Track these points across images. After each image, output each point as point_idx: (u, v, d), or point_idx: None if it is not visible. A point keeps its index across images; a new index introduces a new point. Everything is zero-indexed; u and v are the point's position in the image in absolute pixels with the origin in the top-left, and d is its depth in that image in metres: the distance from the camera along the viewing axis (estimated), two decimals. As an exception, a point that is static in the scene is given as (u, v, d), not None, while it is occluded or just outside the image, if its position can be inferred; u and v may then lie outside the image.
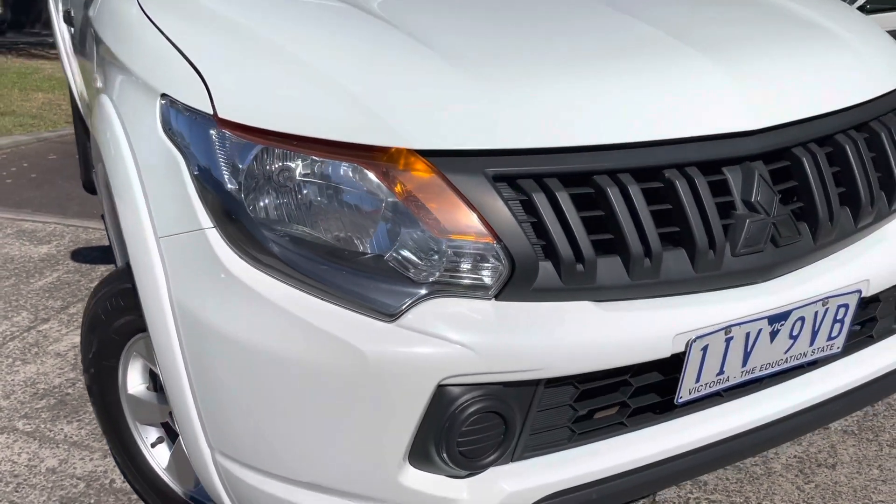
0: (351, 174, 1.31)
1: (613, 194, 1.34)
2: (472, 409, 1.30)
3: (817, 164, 1.50)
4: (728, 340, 1.43)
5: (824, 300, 1.51)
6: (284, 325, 1.29)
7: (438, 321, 1.28)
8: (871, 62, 1.70)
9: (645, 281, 1.38)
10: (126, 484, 2.26)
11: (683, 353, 1.40)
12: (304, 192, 1.32)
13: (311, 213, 1.32)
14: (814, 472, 2.33)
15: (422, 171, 1.30)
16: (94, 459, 2.40)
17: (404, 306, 1.28)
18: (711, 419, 1.52)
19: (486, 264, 1.31)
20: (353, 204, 1.32)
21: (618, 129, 1.36)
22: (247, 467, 1.40)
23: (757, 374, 1.53)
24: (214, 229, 1.36)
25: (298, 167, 1.33)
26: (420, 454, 1.34)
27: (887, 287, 1.61)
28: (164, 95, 1.50)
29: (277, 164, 1.33)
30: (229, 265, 1.33)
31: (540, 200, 1.31)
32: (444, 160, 1.30)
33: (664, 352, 1.38)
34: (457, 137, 1.30)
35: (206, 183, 1.37)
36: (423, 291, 1.30)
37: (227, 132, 1.37)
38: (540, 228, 1.31)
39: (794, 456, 2.41)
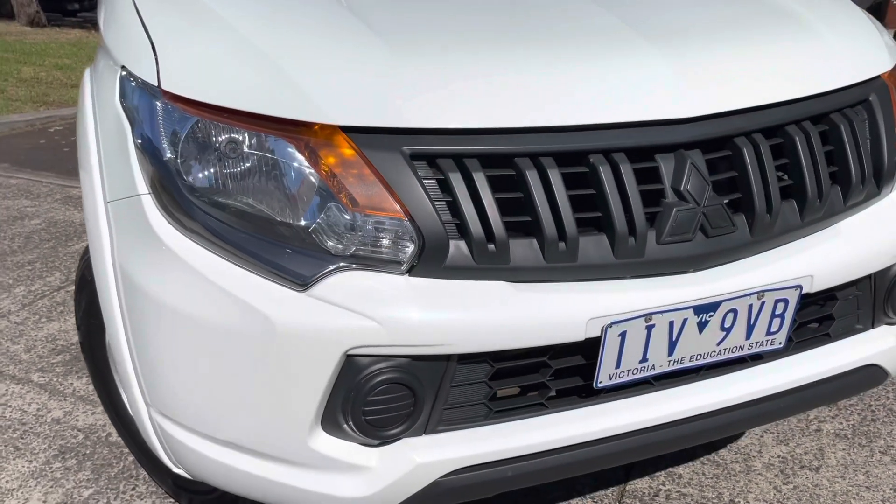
0: (276, 147, 1.37)
1: (531, 177, 1.36)
2: (378, 380, 1.34)
3: (758, 154, 1.48)
4: (649, 328, 1.43)
5: (759, 293, 1.49)
6: (203, 291, 1.36)
7: (348, 293, 1.33)
8: (839, 51, 1.65)
9: (561, 264, 1.39)
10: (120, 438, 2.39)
11: (599, 338, 1.40)
12: (231, 163, 1.38)
13: (236, 184, 1.37)
14: (795, 474, 2.29)
15: (341, 147, 1.34)
16: (96, 414, 2.53)
17: (316, 276, 1.33)
18: (639, 406, 1.53)
19: (398, 240, 1.34)
20: (276, 176, 1.37)
21: (540, 112, 1.38)
22: (177, 424, 1.47)
23: (687, 364, 1.52)
24: (149, 195, 1.43)
25: (228, 139, 1.38)
26: (331, 421, 1.39)
27: (835, 284, 1.57)
28: (123, 67, 1.58)
29: (210, 136, 1.39)
30: (159, 230, 1.40)
31: (455, 180, 1.33)
32: (364, 137, 1.34)
33: (577, 335, 1.39)
34: (376, 115, 1.34)
35: (146, 151, 1.44)
36: (337, 263, 1.34)
37: (169, 103, 1.44)
38: (454, 207, 1.34)
39: (778, 455, 2.37)
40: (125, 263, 1.46)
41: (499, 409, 1.47)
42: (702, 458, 2.36)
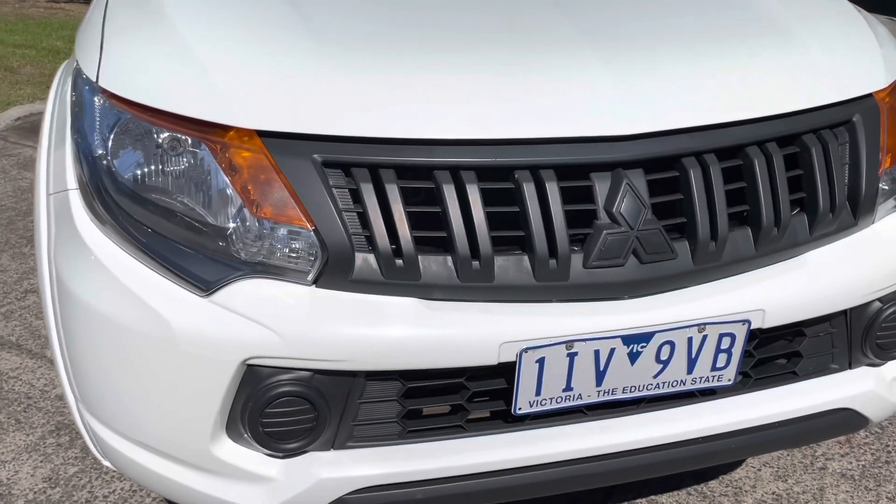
0: (194, 149, 1.35)
1: (447, 191, 1.30)
2: (276, 392, 1.31)
3: (707, 177, 1.38)
4: (571, 356, 1.35)
5: (700, 326, 1.39)
6: (113, 290, 1.36)
7: (249, 301, 1.30)
8: (821, 67, 1.52)
9: (477, 284, 1.33)
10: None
11: (514, 363, 1.34)
12: (151, 162, 1.37)
13: (152, 183, 1.37)
14: (788, 512, 2.16)
15: (252, 152, 1.32)
16: (96, 393, 2.60)
17: (219, 282, 1.31)
18: (566, 436, 1.45)
19: (303, 250, 1.31)
20: (190, 178, 1.36)
21: (463, 124, 1.31)
22: (99, 420, 1.48)
23: (620, 396, 1.43)
24: (77, 191, 1.44)
25: (152, 138, 1.38)
26: (235, 429, 1.37)
27: (793, 321, 1.45)
28: (77, 62, 1.60)
29: (135, 134, 1.39)
30: (80, 226, 1.41)
31: (365, 190, 1.29)
32: (278, 142, 1.31)
33: (490, 359, 1.33)
34: (289, 121, 1.30)
35: (78, 146, 1.46)
36: (242, 270, 1.32)
37: (105, 100, 1.44)
38: (365, 219, 1.30)
39: (773, 492, 2.23)
40: (56, 256, 1.48)
41: (413, 429, 1.42)
42: (688, 488, 2.25)
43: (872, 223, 1.55)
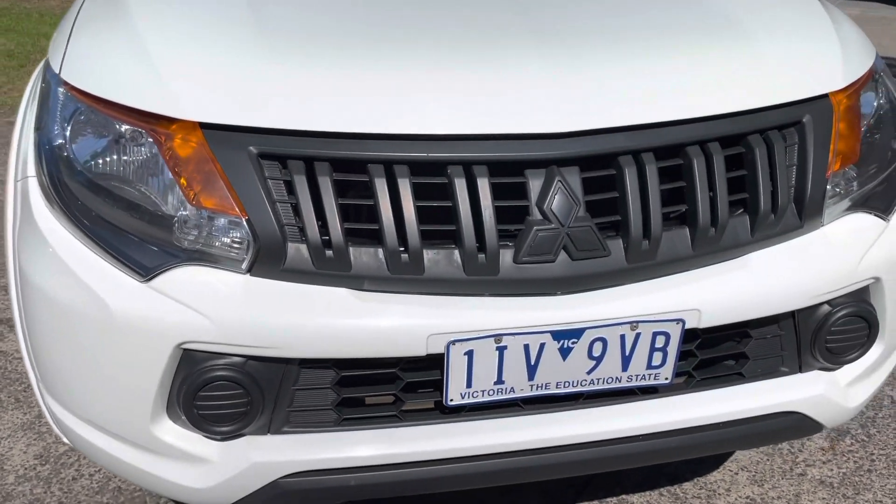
0: (140, 140, 1.40)
1: (378, 184, 1.33)
2: (209, 376, 1.35)
3: (642, 176, 1.38)
4: (501, 349, 1.37)
5: (633, 324, 1.40)
6: (61, 274, 1.42)
7: (185, 287, 1.35)
8: (773, 67, 1.51)
9: (407, 276, 1.35)
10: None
11: (443, 355, 1.36)
12: (100, 151, 1.43)
13: (102, 172, 1.42)
14: (760, 517, 2.14)
15: (193, 143, 1.36)
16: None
17: (158, 268, 1.36)
18: (501, 429, 1.47)
19: (237, 239, 1.35)
20: (135, 167, 1.41)
21: (397, 119, 1.34)
22: (56, 400, 1.55)
23: (554, 391, 1.45)
24: (35, 178, 1.50)
25: (103, 129, 1.43)
26: (174, 411, 1.42)
27: (731, 322, 1.45)
28: (48, 55, 1.67)
29: (89, 124, 1.45)
30: (36, 212, 1.47)
31: (298, 182, 1.33)
32: (217, 135, 1.35)
33: (418, 350, 1.35)
34: (227, 114, 1.35)
35: (40, 134, 1.52)
36: (180, 257, 1.37)
37: (66, 91, 1.50)
38: (297, 210, 1.33)
39: (747, 496, 2.21)
40: (18, 240, 1.54)
41: (349, 417, 1.45)
42: (661, 489, 2.24)
43: (821, 226, 1.54)
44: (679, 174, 1.44)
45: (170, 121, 1.38)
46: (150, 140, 1.39)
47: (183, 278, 1.36)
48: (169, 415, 1.43)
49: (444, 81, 1.38)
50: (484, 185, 1.34)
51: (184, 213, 1.37)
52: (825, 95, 1.54)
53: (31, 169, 1.52)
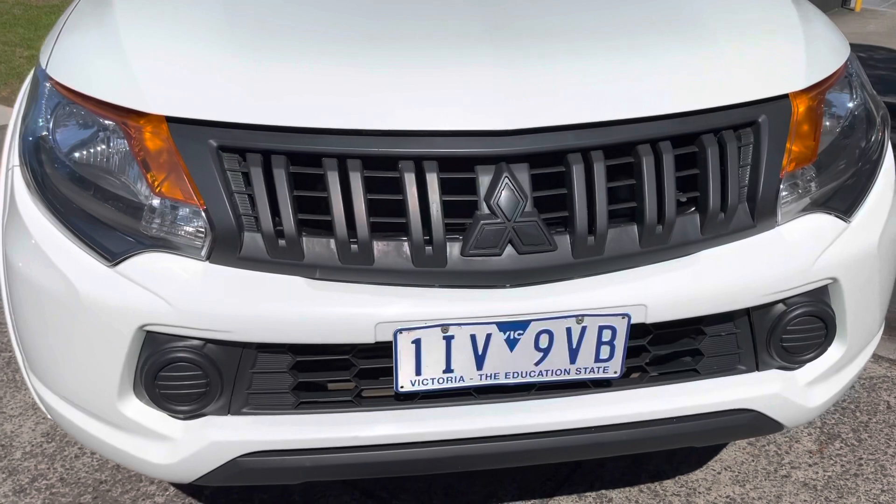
0: (112, 132, 1.48)
1: (331, 177, 1.39)
2: (169, 357, 1.43)
3: (589, 173, 1.42)
4: (448, 339, 1.42)
5: (579, 318, 1.43)
6: (38, 258, 1.51)
7: (148, 272, 1.43)
8: (728, 69, 1.53)
9: (358, 266, 1.41)
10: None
11: (391, 343, 1.41)
12: (78, 142, 1.51)
13: (76, 161, 1.50)
14: (738, 516, 2.15)
15: (158, 136, 1.43)
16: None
17: (124, 254, 1.44)
18: (452, 416, 1.51)
19: (196, 228, 1.42)
20: (107, 158, 1.49)
21: (349, 115, 1.40)
22: (38, 378, 1.64)
23: (504, 381, 1.49)
24: (19, 167, 1.59)
25: (81, 121, 1.52)
26: (140, 390, 1.50)
27: (679, 318, 1.47)
28: (40, 52, 1.76)
29: (69, 117, 1.54)
30: (19, 199, 1.57)
31: (255, 174, 1.39)
32: (182, 128, 1.43)
33: (367, 338, 1.41)
34: (190, 108, 1.42)
35: (25, 124, 1.61)
36: (144, 244, 1.44)
37: (52, 86, 1.59)
38: (252, 201, 1.40)
39: (727, 496, 2.22)
40: (5, 226, 1.64)
41: (306, 401, 1.51)
42: (641, 486, 2.26)
43: (776, 225, 1.55)
44: (631, 172, 1.47)
45: (139, 115, 1.45)
46: (122, 132, 1.47)
47: (146, 264, 1.44)
48: (135, 393, 1.51)
49: (397, 79, 1.43)
50: (432, 180, 1.39)
51: (149, 202, 1.45)
52: (785, 96, 1.56)
53: (14, 158, 1.61)
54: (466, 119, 1.40)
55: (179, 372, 1.44)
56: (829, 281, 1.57)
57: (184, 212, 1.43)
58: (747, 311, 1.56)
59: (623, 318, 1.44)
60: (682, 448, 2.33)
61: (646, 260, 1.47)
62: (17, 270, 1.54)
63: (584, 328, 1.45)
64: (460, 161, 1.42)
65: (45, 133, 1.57)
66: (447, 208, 1.42)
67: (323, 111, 1.40)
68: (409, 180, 1.39)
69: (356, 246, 1.39)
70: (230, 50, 1.47)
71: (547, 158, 1.43)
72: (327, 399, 1.52)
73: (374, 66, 1.44)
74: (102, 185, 1.48)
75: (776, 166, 1.51)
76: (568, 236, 1.44)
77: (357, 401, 1.52)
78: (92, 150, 1.50)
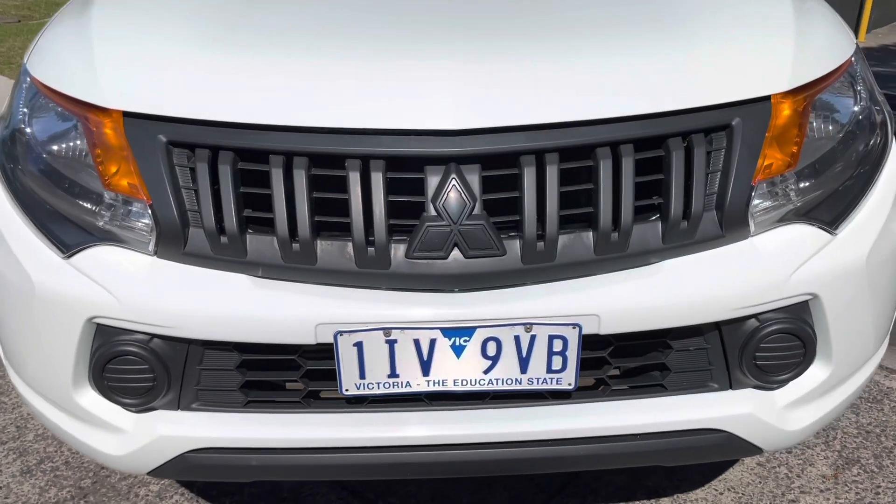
0: (75, 125, 1.50)
1: (275, 175, 1.37)
2: (116, 350, 1.44)
3: (541, 176, 1.36)
4: (391, 343, 1.39)
5: (527, 326, 1.38)
6: (1, 247, 1.54)
7: (97, 265, 1.44)
8: (701, 69, 1.44)
9: (300, 265, 1.39)
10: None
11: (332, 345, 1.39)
12: (46, 135, 1.54)
13: (43, 155, 1.53)
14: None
15: (115, 130, 1.44)
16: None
17: (77, 246, 1.45)
18: (400, 422, 1.48)
19: (142, 222, 1.43)
20: (69, 151, 1.51)
21: (300, 113, 1.37)
22: (10, 365, 1.68)
23: (452, 388, 1.45)
24: None
25: (50, 114, 1.55)
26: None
27: (635, 330, 1.40)
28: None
29: (41, 110, 1.57)
30: (-4, 194, 1.61)
31: (200, 170, 1.39)
32: (133, 122, 1.43)
33: (308, 339, 1.38)
34: (140, 103, 1.42)
35: (7, 117, 1.65)
36: (97, 237, 1.46)
37: (29, 80, 1.63)
38: (197, 197, 1.40)
39: (726, 515, 2.12)
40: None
41: (255, 399, 1.50)
42: (637, 502, 2.18)
43: (750, 235, 1.46)
44: (590, 176, 1.40)
45: (99, 110, 1.46)
46: (84, 127, 1.48)
47: (97, 257, 1.45)
48: (89, 384, 1.52)
49: (344, 75, 1.40)
50: (377, 180, 1.35)
51: (101, 196, 1.46)
52: (765, 98, 1.46)
53: (-3, 151, 1.65)
54: (414, 118, 1.36)
55: (126, 365, 1.45)
56: (809, 297, 1.47)
57: (132, 206, 1.43)
58: (718, 326, 1.47)
59: (574, 328, 1.38)
60: (686, 465, 2.24)
61: (601, 268, 1.41)
62: (-13, 260, 1.57)
63: (533, 337, 1.39)
64: (410, 161, 1.38)
65: (20, 126, 1.60)
66: (396, 209, 1.38)
67: (269, 107, 1.38)
68: (354, 179, 1.36)
69: (298, 245, 1.37)
70: (186, 47, 1.47)
71: (499, 160, 1.38)
72: (275, 399, 1.50)
73: (321, 63, 1.42)
74: (63, 178, 1.50)
75: (748, 173, 1.42)
76: (518, 241, 1.38)
77: (306, 402, 1.50)
78: (58, 144, 1.52)
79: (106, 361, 1.44)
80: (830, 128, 1.55)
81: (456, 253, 1.38)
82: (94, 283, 1.42)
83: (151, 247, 1.43)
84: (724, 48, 1.49)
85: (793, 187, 1.48)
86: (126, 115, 1.44)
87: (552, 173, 1.36)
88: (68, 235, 1.47)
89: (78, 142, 1.49)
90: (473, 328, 1.38)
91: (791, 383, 1.56)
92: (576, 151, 1.39)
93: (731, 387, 1.53)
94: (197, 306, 1.40)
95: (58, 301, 1.45)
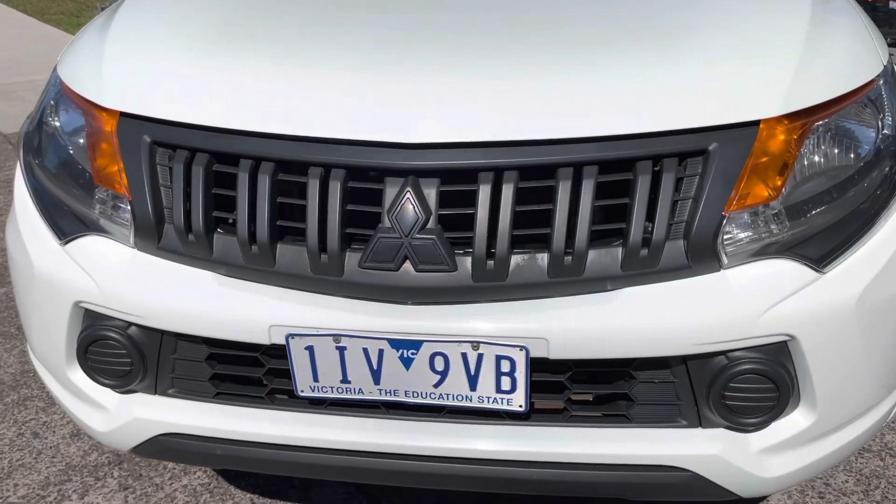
0: (82, 122, 1.61)
1: (241, 178, 1.42)
2: (97, 333, 1.53)
3: (496, 193, 1.35)
4: (341, 349, 1.41)
5: (475, 344, 1.37)
6: (15, 231, 1.67)
7: (86, 253, 1.54)
8: (683, 90, 1.38)
9: (260, 267, 1.43)
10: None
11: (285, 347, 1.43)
12: (61, 129, 1.66)
13: (55, 148, 1.65)
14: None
15: (108, 127, 1.54)
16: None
17: (72, 235, 1.56)
18: (350, 427, 1.50)
19: (124, 216, 1.51)
20: (73, 145, 1.62)
21: (269, 119, 1.42)
22: (28, 341, 1.82)
23: (403, 398, 1.46)
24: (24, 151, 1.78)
25: (67, 111, 1.67)
26: None
27: (586, 357, 1.36)
28: None
29: (61, 106, 1.69)
30: (16, 178, 1.75)
31: (176, 171, 1.46)
32: (126, 121, 1.52)
33: (263, 339, 1.43)
34: (131, 103, 1.51)
35: (35, 111, 1.79)
36: (89, 227, 1.56)
37: (56, 79, 1.76)
38: (170, 195, 1.47)
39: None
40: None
41: (223, 392, 1.57)
42: (643, 531, 2.10)
43: (722, 268, 1.38)
44: (550, 196, 1.37)
45: (101, 109, 1.56)
46: (89, 124, 1.59)
47: (87, 246, 1.55)
48: (77, 363, 1.63)
49: (309, 86, 1.43)
50: (335, 189, 1.38)
51: (93, 189, 1.56)
52: (753, 122, 1.38)
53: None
54: (374, 130, 1.37)
55: (106, 349, 1.54)
56: (785, 338, 1.37)
57: (117, 201, 1.52)
58: (685, 361, 1.41)
59: (521, 350, 1.35)
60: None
61: (554, 291, 1.37)
62: (7, 242, 1.72)
63: (480, 356, 1.37)
64: (370, 171, 1.39)
65: (43, 119, 1.73)
66: (356, 218, 1.40)
67: (239, 113, 1.43)
68: (313, 186, 1.39)
69: (257, 247, 1.42)
70: (176, 54, 1.55)
71: (462, 176, 1.37)
72: (240, 393, 1.56)
73: (288, 72, 1.45)
74: (69, 171, 1.62)
75: (719, 202, 1.34)
76: (470, 259, 1.37)
77: (269, 399, 1.55)
78: (69, 139, 1.64)
79: (89, 343, 1.54)
80: (833, 158, 1.44)
81: (408, 265, 1.38)
82: (82, 270, 1.52)
83: (131, 240, 1.51)
84: (712, 68, 1.41)
85: (776, 219, 1.39)
86: (122, 115, 1.53)
87: (508, 191, 1.34)
88: (67, 225, 1.58)
89: (83, 138, 1.60)
90: (421, 342, 1.38)
91: (770, 428, 1.46)
92: (536, 170, 1.36)
93: (700, 425, 1.45)
94: (165, 298, 1.47)
95: (52, 284, 1.56)
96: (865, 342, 1.42)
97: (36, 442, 2.49)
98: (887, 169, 1.48)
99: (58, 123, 1.68)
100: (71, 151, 1.62)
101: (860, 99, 1.48)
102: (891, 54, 1.66)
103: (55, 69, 1.80)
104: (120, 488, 2.28)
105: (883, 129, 1.51)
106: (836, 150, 1.45)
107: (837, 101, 1.45)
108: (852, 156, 1.46)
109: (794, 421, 1.46)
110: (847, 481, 2.24)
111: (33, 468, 2.38)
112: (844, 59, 1.51)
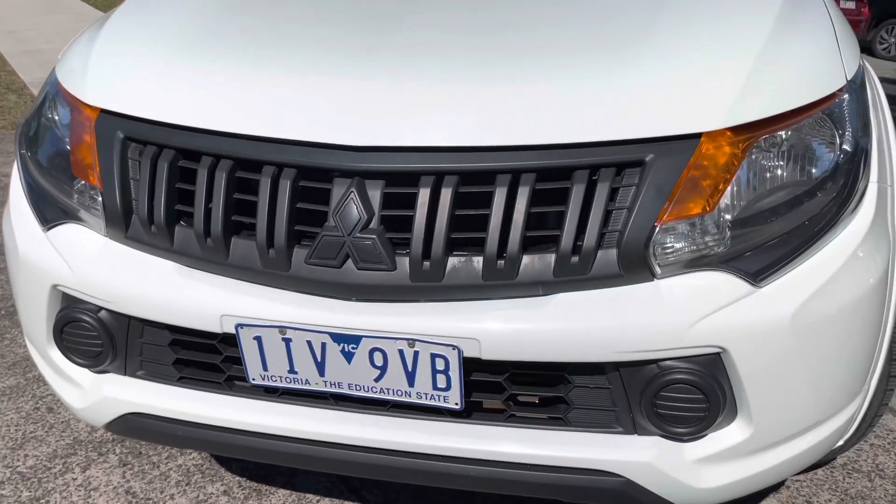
0: (69, 117, 1.72)
1: (199, 174, 1.50)
2: (70, 315, 1.63)
3: (434, 197, 1.39)
4: (286, 341, 1.48)
5: (410, 342, 1.42)
6: (8, 220, 1.79)
7: (63, 240, 1.64)
8: (624, 99, 1.40)
9: (215, 259, 1.51)
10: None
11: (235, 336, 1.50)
12: (53, 123, 1.77)
13: (46, 140, 1.76)
14: None
15: (88, 122, 1.64)
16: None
17: (54, 222, 1.67)
18: (298, 415, 1.57)
19: (98, 206, 1.61)
20: (61, 139, 1.72)
21: (225, 119, 1.49)
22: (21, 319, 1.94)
23: (347, 391, 1.51)
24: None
25: (59, 106, 1.77)
26: None
27: (516, 359, 1.39)
28: None
29: (55, 102, 1.80)
30: (13, 170, 1.86)
31: (143, 165, 1.55)
32: (104, 117, 1.62)
33: (214, 327, 1.50)
34: (107, 100, 1.60)
35: (34, 105, 1.91)
36: (69, 216, 1.66)
37: (52, 76, 1.87)
38: (137, 188, 1.56)
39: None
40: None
41: (185, 376, 1.65)
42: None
43: (656, 278, 1.40)
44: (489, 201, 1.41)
45: (84, 104, 1.66)
46: (74, 119, 1.69)
47: (65, 233, 1.65)
48: (54, 342, 1.73)
49: (262, 86, 1.49)
50: (285, 187, 1.44)
51: (72, 180, 1.66)
52: (694, 135, 1.39)
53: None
54: (321, 132, 1.43)
55: (79, 330, 1.64)
56: (716, 350, 1.38)
57: (93, 192, 1.62)
58: (618, 368, 1.43)
59: (454, 349, 1.40)
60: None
61: (487, 294, 1.41)
62: (3, 229, 1.84)
63: (416, 353, 1.42)
64: (319, 172, 1.45)
65: (37, 112, 1.84)
66: (308, 217, 1.46)
67: (203, 112, 1.51)
68: (265, 184, 1.45)
69: (211, 240, 1.49)
70: (154, 55, 1.63)
71: (403, 179, 1.42)
72: (200, 378, 1.64)
73: (244, 72, 1.53)
74: (55, 163, 1.72)
75: (650, 213, 1.36)
76: (409, 258, 1.42)
77: (227, 385, 1.62)
78: (57, 132, 1.74)
79: (64, 324, 1.64)
80: (780, 173, 1.44)
81: (350, 263, 1.44)
82: (59, 255, 1.63)
83: (103, 229, 1.61)
84: (657, 78, 1.42)
85: (713, 232, 1.40)
86: (102, 111, 1.62)
87: (446, 196, 1.38)
88: (50, 213, 1.69)
89: (68, 131, 1.70)
90: (360, 337, 1.43)
91: (707, 438, 1.47)
92: (475, 176, 1.40)
93: (635, 432, 1.47)
94: (130, 285, 1.56)
95: (34, 267, 1.67)
96: (803, 359, 1.42)
97: (49, 416, 2.63)
98: (840, 186, 1.47)
99: (51, 117, 1.78)
100: (58, 144, 1.73)
101: (816, 114, 1.48)
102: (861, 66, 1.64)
103: (53, 68, 1.91)
104: (119, 464, 2.39)
105: (842, 145, 1.50)
106: (784, 166, 1.45)
107: (789, 116, 1.45)
108: (802, 172, 1.46)
109: (731, 433, 1.46)
110: (830, 500, 2.21)
111: (44, 441, 2.51)
112: (801, 72, 1.50)
